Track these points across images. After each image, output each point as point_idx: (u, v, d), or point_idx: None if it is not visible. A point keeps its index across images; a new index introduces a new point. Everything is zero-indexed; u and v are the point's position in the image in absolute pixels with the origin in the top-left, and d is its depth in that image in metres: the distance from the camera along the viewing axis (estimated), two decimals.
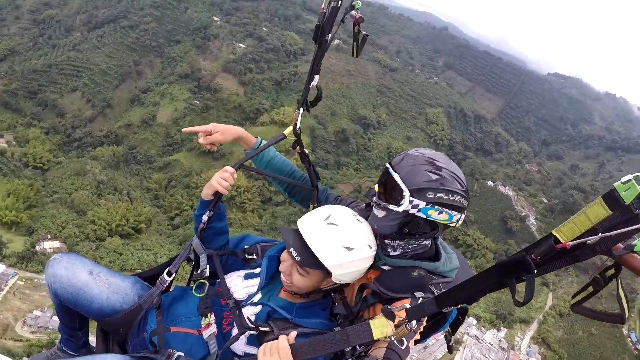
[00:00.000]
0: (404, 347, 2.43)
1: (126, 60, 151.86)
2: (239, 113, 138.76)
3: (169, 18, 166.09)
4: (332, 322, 2.95)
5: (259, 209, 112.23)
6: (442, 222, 2.72)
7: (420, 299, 2.60)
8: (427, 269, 2.84)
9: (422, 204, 2.64)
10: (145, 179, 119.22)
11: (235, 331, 2.87)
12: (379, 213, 2.82)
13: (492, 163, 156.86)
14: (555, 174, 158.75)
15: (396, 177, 2.66)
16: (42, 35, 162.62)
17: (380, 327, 2.22)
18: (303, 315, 2.89)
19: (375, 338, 2.22)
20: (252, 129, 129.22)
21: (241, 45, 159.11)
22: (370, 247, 2.80)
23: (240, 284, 3.10)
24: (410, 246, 2.91)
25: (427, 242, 2.93)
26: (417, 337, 2.70)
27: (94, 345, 3.64)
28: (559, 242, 1.60)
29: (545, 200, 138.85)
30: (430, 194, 2.63)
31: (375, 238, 2.91)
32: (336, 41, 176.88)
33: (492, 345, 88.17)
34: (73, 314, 3.41)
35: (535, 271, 1.68)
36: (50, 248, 77.76)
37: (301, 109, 3.52)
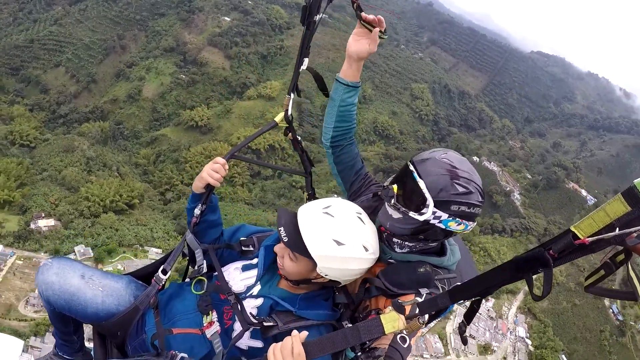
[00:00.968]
0: (406, 345, 2.41)
1: (110, 34, 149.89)
2: (225, 87, 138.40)
3: None
4: (335, 312, 2.92)
5: (249, 183, 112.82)
6: (458, 231, 2.70)
7: (425, 295, 2.56)
8: (433, 264, 2.84)
9: (444, 216, 2.59)
10: (133, 155, 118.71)
11: (237, 326, 2.82)
12: (394, 214, 2.75)
13: (475, 139, 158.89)
14: (538, 151, 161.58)
15: (421, 184, 2.57)
16: (22, 9, 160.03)
17: (392, 321, 2.22)
18: (306, 306, 2.85)
19: (386, 332, 2.22)
20: (240, 103, 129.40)
21: (226, 18, 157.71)
22: (366, 250, 2.70)
23: (238, 276, 3.05)
24: (418, 246, 2.87)
25: (435, 244, 2.91)
26: (419, 334, 2.64)
27: (89, 348, 3.69)
28: (577, 237, 1.61)
29: (529, 176, 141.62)
30: (455, 207, 2.58)
31: (383, 232, 2.88)
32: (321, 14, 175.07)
33: (480, 314, 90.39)
34: (67, 319, 3.30)
35: (552, 266, 1.71)
36: (45, 226, 77.36)
37: (292, 95, 3.44)
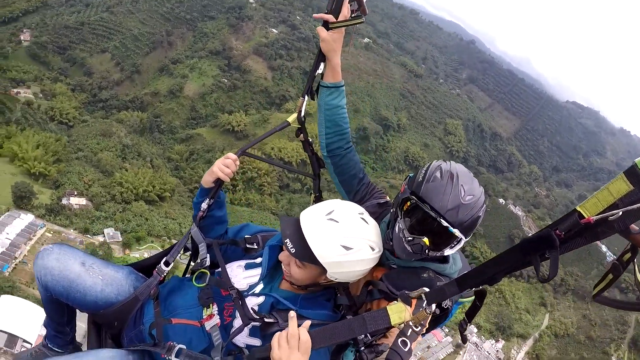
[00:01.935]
0: (406, 349, 2.40)
1: (159, 29, 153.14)
2: (264, 97, 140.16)
3: None
4: (336, 314, 2.90)
5: (277, 193, 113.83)
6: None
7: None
8: (435, 271, 2.87)
9: (467, 238, 2.67)
10: (167, 149, 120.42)
11: (236, 322, 2.82)
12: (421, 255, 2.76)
13: (502, 181, 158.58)
14: (562, 201, 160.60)
15: (457, 233, 2.57)
16: None
17: (398, 312, 2.25)
18: (308, 306, 2.84)
19: (392, 323, 2.25)
20: (277, 115, 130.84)
21: (274, 30, 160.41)
22: (373, 249, 2.72)
23: (241, 274, 3.04)
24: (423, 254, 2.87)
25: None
26: (419, 338, 2.62)
27: (80, 342, 3.68)
28: (583, 217, 1.64)
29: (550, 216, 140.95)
30: (475, 229, 2.67)
31: (389, 247, 2.88)
32: (365, 39, 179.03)
33: (489, 354, 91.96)
34: (62, 307, 3.26)
35: (559, 248, 1.72)
36: (76, 204, 78.29)
37: (306, 97, 3.43)
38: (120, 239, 73.01)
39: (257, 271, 2.99)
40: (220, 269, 2.98)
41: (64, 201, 78.34)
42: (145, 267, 3.42)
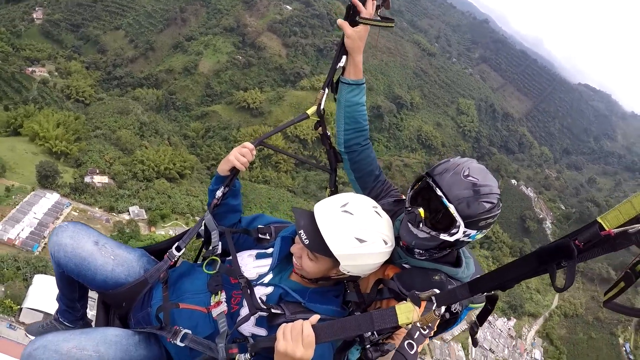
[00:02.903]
0: (413, 352, 2.36)
1: (172, 5, 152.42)
2: (279, 74, 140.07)
3: None
4: (344, 310, 2.88)
5: (292, 170, 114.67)
6: (478, 239, 2.77)
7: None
8: (447, 274, 2.84)
9: (473, 232, 2.64)
10: (183, 126, 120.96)
11: (243, 311, 2.81)
12: (421, 234, 2.72)
13: (513, 162, 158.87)
14: (572, 184, 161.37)
15: (452, 209, 2.55)
16: None
17: (407, 312, 2.22)
18: (316, 300, 2.82)
19: (400, 323, 2.22)
20: (292, 92, 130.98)
21: (288, 7, 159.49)
22: (386, 243, 2.72)
23: (252, 263, 3.04)
24: (437, 254, 2.88)
25: (451, 251, 2.93)
26: (427, 341, 2.57)
27: (90, 318, 3.72)
28: (603, 229, 1.62)
29: (563, 207, 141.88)
30: (482, 223, 2.62)
31: (402, 243, 2.88)
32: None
33: (502, 331, 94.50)
34: (74, 284, 3.31)
35: (576, 258, 1.70)
36: (99, 182, 79.06)
37: (326, 90, 3.40)
38: (146, 216, 73.68)
39: (268, 261, 3.02)
40: (231, 257, 3.03)
41: (87, 179, 79.04)
42: (157, 251, 3.46)
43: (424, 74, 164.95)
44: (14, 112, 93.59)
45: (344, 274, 2.76)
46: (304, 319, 2.27)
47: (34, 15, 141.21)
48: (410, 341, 2.33)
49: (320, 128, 3.48)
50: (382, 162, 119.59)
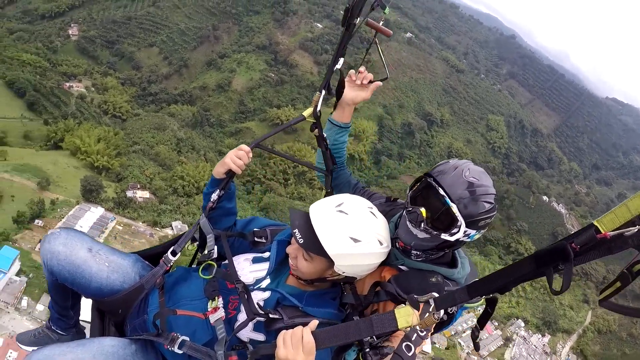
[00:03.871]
0: (410, 354, 2.40)
1: (205, 23, 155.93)
2: (311, 91, 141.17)
3: None
4: (341, 313, 2.88)
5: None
6: (475, 240, 2.80)
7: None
8: (444, 275, 2.84)
9: (473, 232, 2.67)
10: (218, 142, 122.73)
11: (241, 316, 2.78)
12: (421, 234, 2.74)
13: (543, 178, 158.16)
14: (602, 199, 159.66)
15: (454, 209, 2.59)
16: None
17: (406, 316, 2.21)
18: (313, 303, 2.81)
19: (400, 327, 2.20)
20: (323, 109, 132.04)
21: (319, 25, 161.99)
22: (381, 244, 2.71)
23: (248, 268, 3.01)
24: (433, 255, 2.89)
25: (447, 252, 2.96)
26: (424, 343, 2.59)
27: (83, 325, 3.66)
28: (599, 232, 1.63)
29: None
30: (482, 223, 2.66)
31: (402, 247, 2.89)
32: (408, 34, 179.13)
33: (536, 347, 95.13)
34: (67, 292, 3.24)
35: (573, 261, 1.70)
36: (141, 197, 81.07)
37: (323, 92, 3.44)
38: None
39: (264, 265, 3.00)
40: (227, 262, 2.99)
41: (129, 194, 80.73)
42: (152, 256, 3.39)
43: (453, 91, 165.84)
44: (54, 127, 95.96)
45: (340, 274, 2.77)
46: (302, 323, 2.27)
47: (70, 32, 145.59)
48: (408, 343, 2.39)
49: (316, 130, 3.55)
50: (413, 178, 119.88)
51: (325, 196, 3.47)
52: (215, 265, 3.01)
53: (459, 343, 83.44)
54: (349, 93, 3.46)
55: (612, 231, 1.61)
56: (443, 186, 2.59)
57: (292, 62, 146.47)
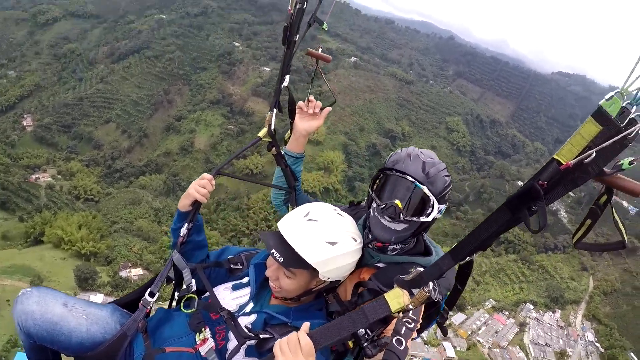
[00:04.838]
0: (402, 348, 2.40)
1: (155, 89, 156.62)
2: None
3: (192, 46, 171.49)
4: (329, 321, 2.60)
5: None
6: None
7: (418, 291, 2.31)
8: (421, 265, 2.84)
9: (442, 207, 2.79)
10: None
11: (231, 345, 2.73)
12: (399, 226, 2.79)
13: (512, 164, 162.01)
14: None
15: (425, 190, 2.68)
16: (64, 69, 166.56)
17: (396, 297, 2.18)
18: (301, 317, 2.77)
19: (393, 310, 2.17)
20: (278, 124, 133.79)
21: (266, 68, 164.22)
22: (355, 240, 2.74)
23: (229, 296, 2.98)
24: (406, 247, 2.96)
25: (418, 243, 3.05)
26: (414, 335, 2.59)
27: None
28: (561, 164, 1.67)
29: (572, 194, 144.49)
30: (447, 195, 2.79)
31: (377, 245, 2.92)
32: (352, 58, 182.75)
33: (551, 325, 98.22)
34: (46, 353, 3.08)
35: (544, 199, 1.71)
36: (135, 275, 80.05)
37: (274, 111, 3.54)
38: None
39: (246, 291, 2.98)
40: (207, 294, 2.94)
41: (123, 274, 79.83)
42: (129, 303, 3.29)
43: (407, 103, 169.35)
44: (30, 222, 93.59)
45: (325, 281, 2.79)
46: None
47: (24, 123, 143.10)
48: (399, 337, 2.44)
49: (273, 149, 3.64)
50: None
51: None
52: (197, 298, 2.97)
53: (478, 341, 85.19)
54: (302, 124, 3.60)
55: (573, 159, 1.64)
56: (408, 173, 2.73)
57: (248, 110, 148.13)
